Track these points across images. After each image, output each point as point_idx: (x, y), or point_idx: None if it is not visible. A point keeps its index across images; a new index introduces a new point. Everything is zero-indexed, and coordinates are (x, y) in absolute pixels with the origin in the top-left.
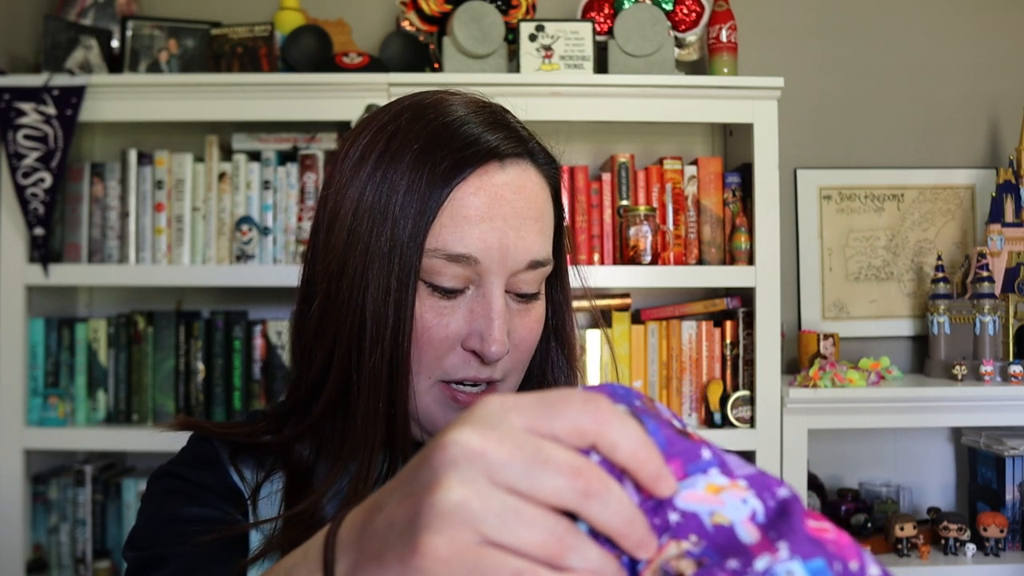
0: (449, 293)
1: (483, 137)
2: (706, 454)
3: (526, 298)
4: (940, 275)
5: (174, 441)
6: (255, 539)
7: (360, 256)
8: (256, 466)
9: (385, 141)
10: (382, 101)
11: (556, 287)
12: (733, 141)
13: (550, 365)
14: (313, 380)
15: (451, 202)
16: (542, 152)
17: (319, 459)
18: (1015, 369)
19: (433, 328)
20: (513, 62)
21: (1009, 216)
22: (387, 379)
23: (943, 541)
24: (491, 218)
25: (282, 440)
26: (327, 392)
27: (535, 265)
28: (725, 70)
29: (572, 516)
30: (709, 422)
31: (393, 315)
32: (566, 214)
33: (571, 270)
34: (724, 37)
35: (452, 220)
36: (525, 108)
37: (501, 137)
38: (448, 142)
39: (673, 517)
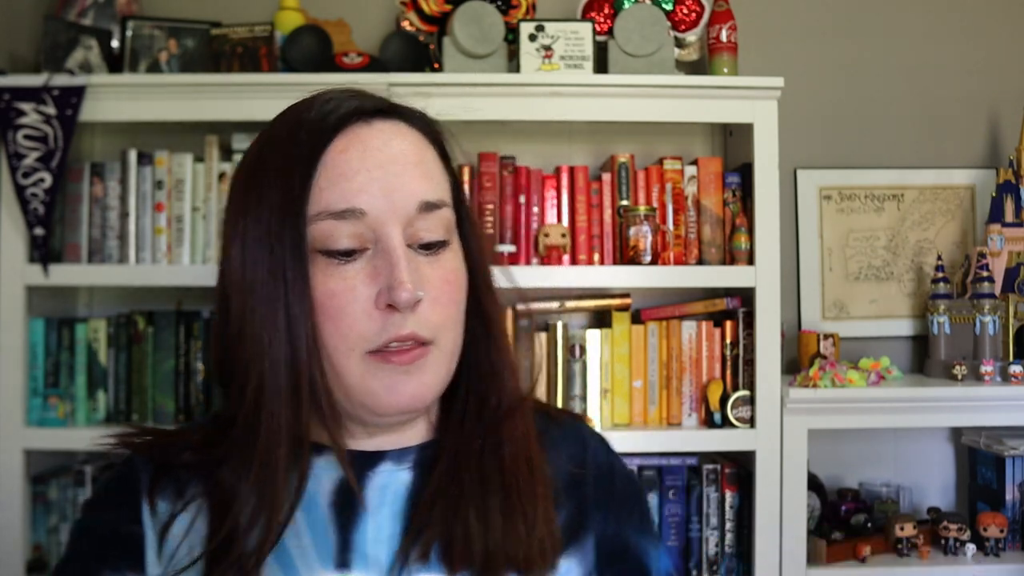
0: (347, 255)
1: (345, 103)
2: None
3: (432, 249)
4: (940, 275)
5: None
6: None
7: (250, 244)
8: (174, 495)
9: (257, 144)
10: None
11: (467, 258)
12: (733, 141)
13: (473, 342)
14: (234, 388)
15: (324, 165)
16: (414, 112)
17: (240, 481)
18: (1015, 369)
19: (341, 293)
20: (513, 62)
21: (1009, 216)
22: (289, 370)
23: (943, 541)
24: (367, 168)
25: (203, 460)
26: (247, 397)
27: (428, 207)
28: (725, 70)
29: None
30: (709, 422)
31: (286, 292)
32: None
33: (498, 271)
34: (724, 37)
35: (329, 181)
36: (525, 108)
37: (364, 100)
38: (313, 116)
39: None
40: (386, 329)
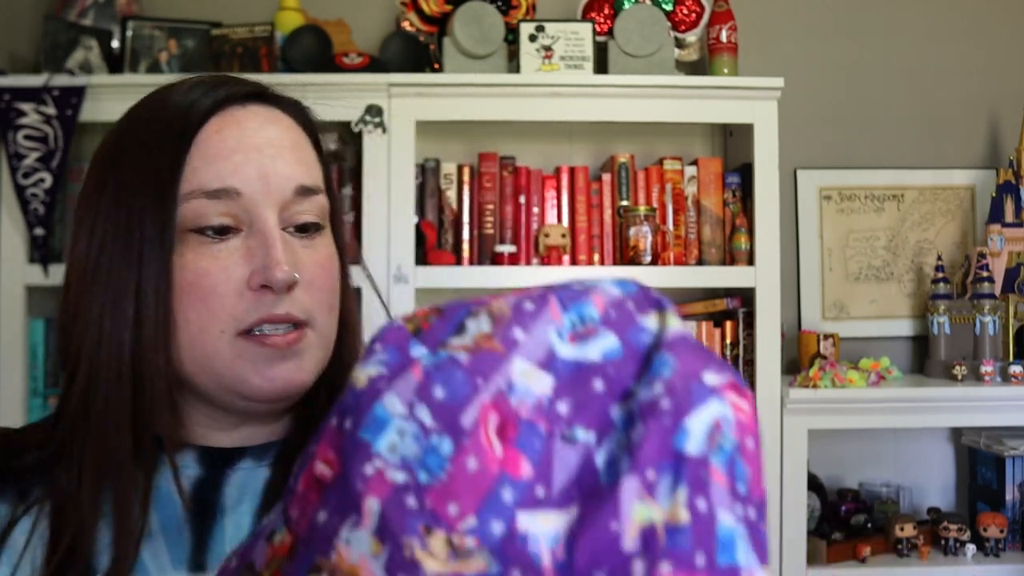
0: (221, 232)
1: (220, 87)
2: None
3: (307, 232)
4: (940, 275)
5: None
6: None
7: (102, 225)
8: (16, 499)
9: (118, 128)
10: (382, 101)
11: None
12: (733, 141)
13: (336, 334)
14: (66, 380)
15: (197, 145)
16: (288, 100)
17: (77, 485)
18: (1015, 369)
19: (212, 272)
20: (513, 62)
21: (1009, 216)
22: (134, 358)
23: (943, 541)
24: (243, 149)
25: (44, 460)
26: (76, 387)
27: (305, 191)
28: (725, 70)
29: None
30: None
31: (140, 273)
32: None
33: (356, 270)
34: (724, 37)
35: (204, 160)
36: (525, 108)
37: (238, 84)
38: (183, 99)
39: None
40: (258, 308)
